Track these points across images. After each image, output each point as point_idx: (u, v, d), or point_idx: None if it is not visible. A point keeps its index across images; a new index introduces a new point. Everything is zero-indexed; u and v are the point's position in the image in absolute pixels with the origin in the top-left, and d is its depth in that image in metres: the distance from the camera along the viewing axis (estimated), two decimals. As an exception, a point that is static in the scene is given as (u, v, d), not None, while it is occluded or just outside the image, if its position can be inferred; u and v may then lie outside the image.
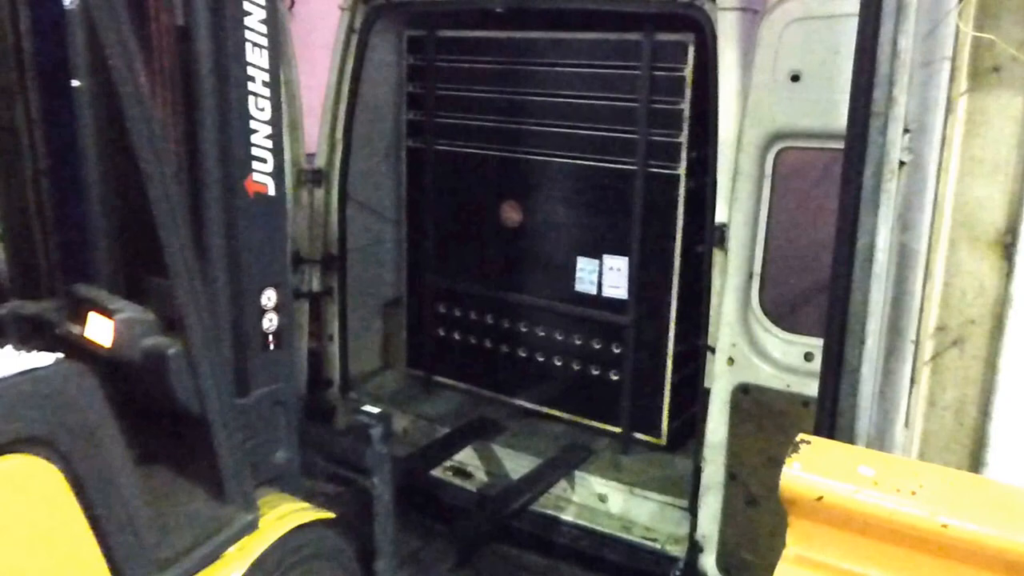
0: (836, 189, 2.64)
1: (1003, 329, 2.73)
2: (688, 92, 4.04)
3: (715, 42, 3.55)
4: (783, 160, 3.31)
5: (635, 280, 4.36)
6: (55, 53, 2.68)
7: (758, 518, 3.48)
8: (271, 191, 2.66)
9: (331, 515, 2.84)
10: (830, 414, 2.72)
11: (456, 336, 5.08)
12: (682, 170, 4.13)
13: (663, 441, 4.43)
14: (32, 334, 2.61)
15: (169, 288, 2.40)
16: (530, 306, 4.75)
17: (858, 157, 2.57)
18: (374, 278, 5.26)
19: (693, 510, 3.75)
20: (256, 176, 2.61)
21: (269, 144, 2.63)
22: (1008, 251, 2.72)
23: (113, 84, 2.23)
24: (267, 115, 2.61)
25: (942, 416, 2.86)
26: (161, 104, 2.55)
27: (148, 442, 2.65)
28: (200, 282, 2.44)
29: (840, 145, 2.64)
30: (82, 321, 2.53)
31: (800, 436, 2.28)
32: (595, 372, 4.60)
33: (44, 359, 2.05)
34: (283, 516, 2.73)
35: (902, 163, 2.63)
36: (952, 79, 2.72)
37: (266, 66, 2.60)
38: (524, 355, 4.84)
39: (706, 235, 3.64)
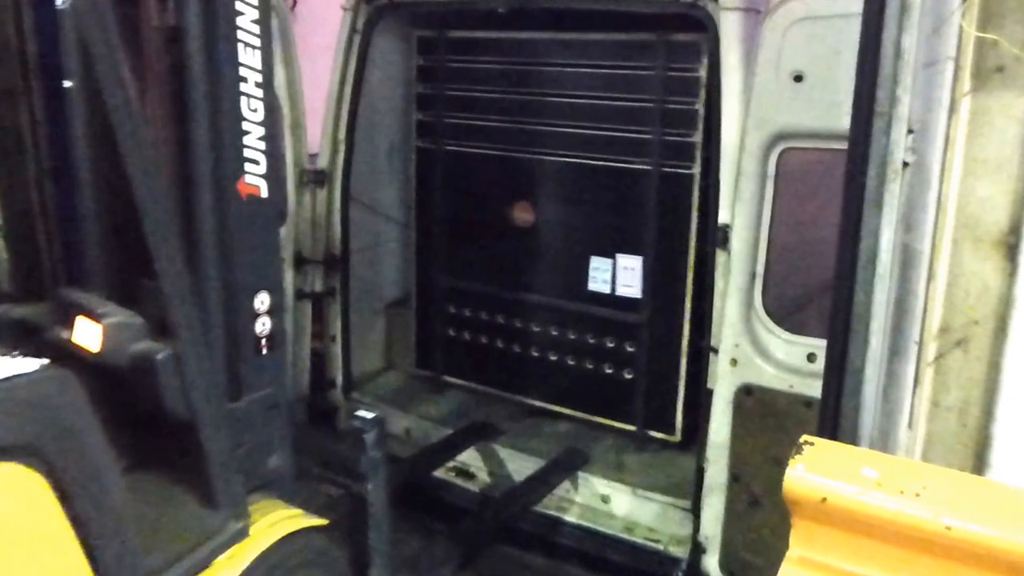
0: (839, 189, 2.64)
1: (1007, 330, 2.73)
2: (702, 92, 4.05)
3: (718, 42, 3.54)
4: (786, 160, 3.31)
5: (649, 279, 4.38)
6: (58, 53, 2.66)
7: (761, 519, 3.48)
8: (264, 193, 2.63)
9: (324, 522, 2.81)
10: (833, 415, 2.71)
11: (466, 336, 5.09)
12: (696, 170, 4.13)
13: (677, 438, 4.44)
14: (21, 339, 2.57)
15: (160, 291, 2.37)
16: (542, 305, 4.77)
17: (861, 157, 2.56)
18: (377, 278, 5.26)
19: (696, 511, 3.75)
20: (249, 178, 2.57)
21: (262, 146, 2.60)
22: (1011, 251, 2.71)
23: (99, 85, 2.21)
24: (260, 116, 2.57)
25: (945, 417, 2.86)
26: (152, 105, 2.51)
27: (138, 448, 2.62)
28: (190, 285, 2.42)
29: (843, 145, 2.63)
30: (71, 325, 2.50)
31: (804, 438, 2.28)
32: (608, 371, 4.61)
33: (28, 365, 2.02)
34: (275, 523, 2.69)
35: (905, 163, 2.63)
36: (955, 79, 2.72)
37: (259, 67, 2.56)
38: (536, 354, 4.86)
39: (709, 236, 3.64)
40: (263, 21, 2.54)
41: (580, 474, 4.32)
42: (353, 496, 2.97)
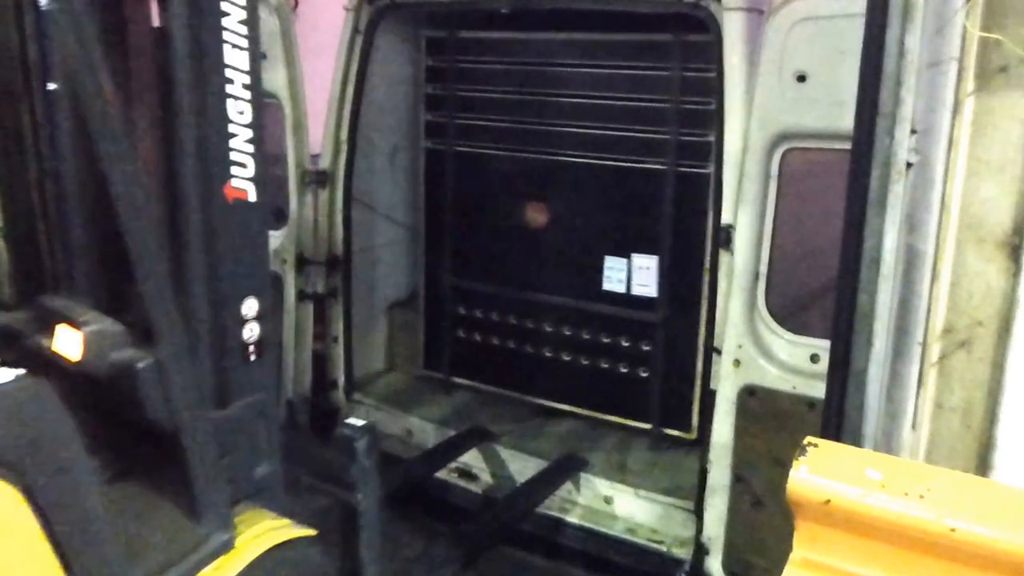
0: (842, 190, 2.63)
1: (1010, 331, 2.72)
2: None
3: (721, 43, 3.54)
4: (789, 161, 3.30)
5: (665, 278, 4.41)
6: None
7: (764, 520, 3.47)
8: (252, 197, 2.56)
9: (312, 532, 2.73)
10: (836, 416, 2.71)
11: (477, 337, 5.10)
12: (712, 169, 4.12)
13: (693, 435, 4.45)
14: (2, 347, 2.50)
15: (141, 297, 2.31)
16: (556, 305, 4.79)
17: (865, 158, 2.55)
18: (379, 279, 5.26)
19: (699, 512, 3.74)
20: (235, 182, 2.50)
21: (250, 149, 2.53)
22: (1015, 252, 2.70)
23: (76, 86, 2.17)
24: (247, 119, 2.51)
25: (949, 418, 2.85)
26: (135, 107, 2.48)
27: (123, 457, 2.56)
28: (174, 291, 2.36)
29: (846, 146, 2.63)
30: (51, 333, 2.43)
31: (807, 439, 2.27)
32: (623, 369, 4.65)
33: (3, 376, 1.96)
34: (261, 534, 2.60)
35: (909, 164, 2.62)
36: (959, 79, 2.71)
37: (246, 68, 2.49)
38: (549, 355, 4.88)
39: (711, 236, 3.64)
40: (251, 21, 2.48)
41: (583, 475, 4.32)
42: (343, 505, 2.89)
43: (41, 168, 2.65)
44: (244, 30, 2.46)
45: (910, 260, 2.83)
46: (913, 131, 2.61)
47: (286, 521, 2.71)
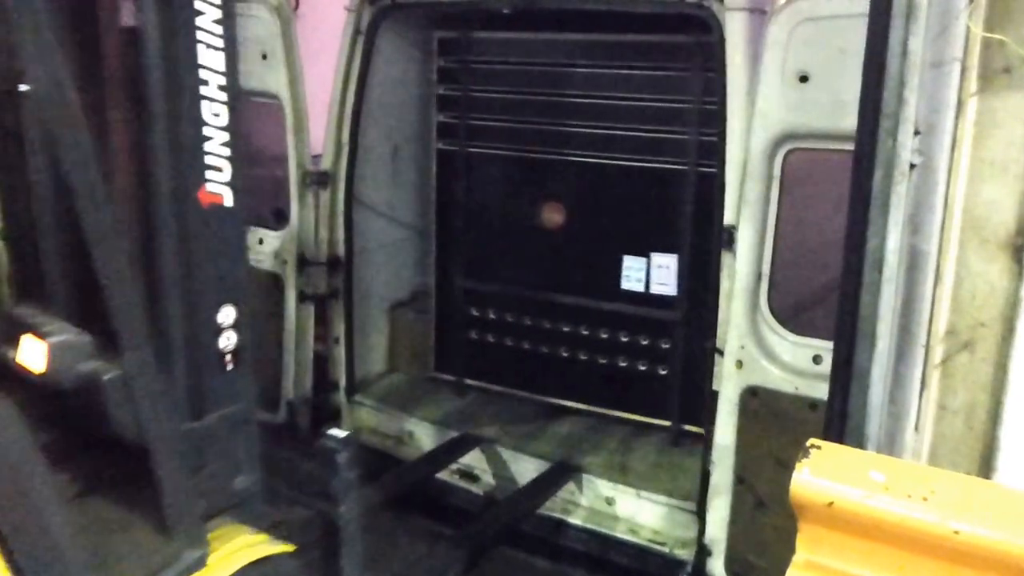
0: (845, 191, 2.62)
1: (1014, 332, 2.71)
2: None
3: (723, 43, 3.53)
4: (792, 161, 3.29)
5: (685, 276, 4.43)
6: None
7: (766, 521, 3.46)
8: (228, 202, 2.49)
9: (291, 548, 2.64)
10: (839, 417, 2.70)
11: (490, 338, 5.11)
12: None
13: None
14: None
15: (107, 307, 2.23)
16: (572, 305, 4.81)
17: (868, 159, 2.55)
18: (380, 280, 5.25)
19: (701, 513, 3.73)
20: (210, 186, 2.43)
21: (226, 152, 2.45)
22: (1018, 253, 2.69)
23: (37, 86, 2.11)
24: (223, 121, 2.43)
25: (952, 420, 2.84)
26: (104, 108, 2.39)
27: (91, 472, 2.49)
28: (141, 300, 2.28)
29: (849, 146, 2.62)
30: (17, 344, 2.35)
31: (810, 441, 2.26)
32: (642, 368, 4.68)
33: None
34: (236, 551, 2.51)
35: (912, 165, 2.61)
36: (962, 80, 2.70)
37: (222, 69, 2.41)
38: (565, 354, 4.89)
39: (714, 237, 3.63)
40: (227, 21, 2.41)
41: (585, 476, 4.31)
42: (324, 519, 2.81)
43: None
44: (219, 29, 2.39)
45: (913, 261, 2.82)
46: (916, 132, 2.60)
47: (263, 536, 2.63)
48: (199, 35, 2.34)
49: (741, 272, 3.43)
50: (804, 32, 3.13)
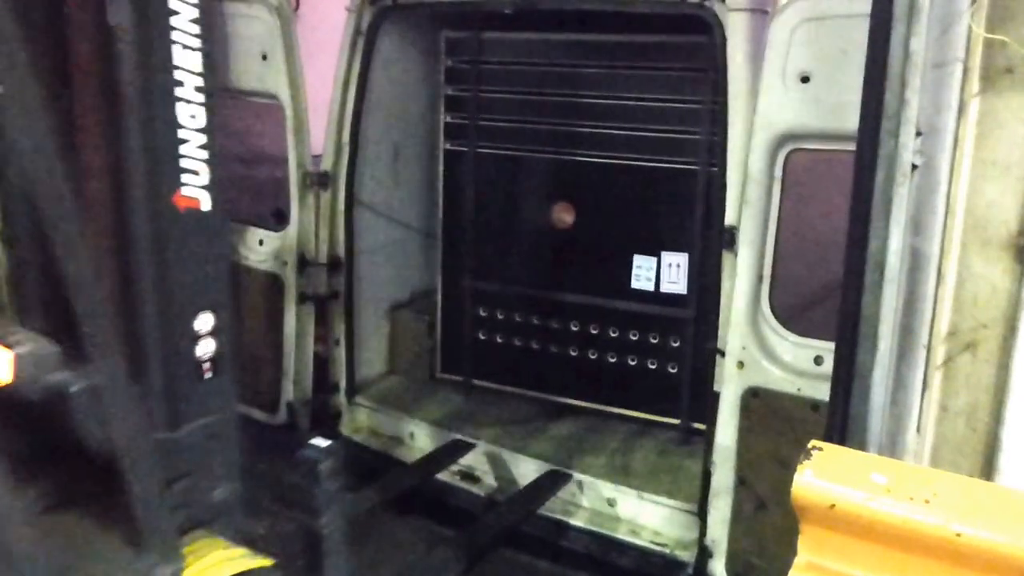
0: (847, 191, 2.62)
1: (1016, 333, 2.71)
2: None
3: (724, 43, 3.53)
4: (793, 162, 3.29)
5: (695, 275, 4.44)
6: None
7: (768, 523, 3.46)
8: (206, 206, 2.42)
9: (269, 562, 2.54)
10: (841, 419, 2.69)
11: (498, 338, 5.12)
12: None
13: None
14: None
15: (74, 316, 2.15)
16: (582, 305, 4.83)
17: (869, 159, 2.54)
18: (381, 281, 5.24)
19: (702, 514, 3.73)
20: (187, 190, 2.36)
21: (204, 155, 2.39)
22: (1020, 254, 2.69)
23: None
24: (200, 123, 2.37)
25: (954, 421, 2.84)
26: (79, 109, 2.32)
27: (61, 486, 2.40)
28: (107, 308, 2.20)
29: (851, 147, 2.61)
30: None
31: (812, 442, 2.26)
32: (652, 366, 4.69)
33: None
34: (211, 566, 2.42)
35: (914, 166, 2.60)
36: (964, 81, 2.70)
37: (199, 70, 2.35)
38: (574, 353, 4.91)
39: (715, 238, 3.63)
40: (203, 21, 2.34)
41: (586, 477, 4.31)
42: (307, 531, 2.73)
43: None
44: (196, 29, 2.33)
45: (915, 262, 2.82)
46: (918, 133, 2.60)
47: (242, 550, 2.54)
48: (174, 35, 2.28)
49: (742, 273, 3.42)
50: (806, 32, 3.12)
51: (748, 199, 3.37)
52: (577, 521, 4.23)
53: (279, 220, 4.81)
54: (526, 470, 4.44)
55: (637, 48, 4.48)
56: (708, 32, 3.72)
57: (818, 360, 3.32)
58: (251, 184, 6.15)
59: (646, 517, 4.15)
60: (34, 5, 2.20)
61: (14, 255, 2.52)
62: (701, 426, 4.44)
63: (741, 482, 3.53)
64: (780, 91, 3.21)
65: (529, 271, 4.96)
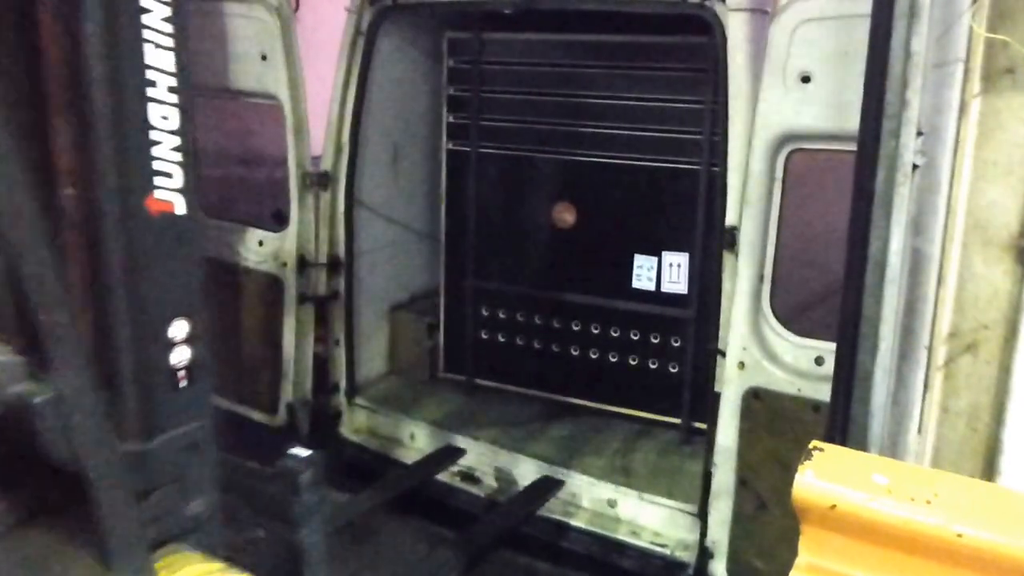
0: (848, 192, 2.62)
1: (1017, 334, 2.71)
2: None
3: (724, 43, 3.52)
4: (794, 162, 3.28)
5: (696, 275, 4.45)
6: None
7: (769, 524, 3.45)
8: (180, 209, 2.35)
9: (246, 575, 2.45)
10: (842, 420, 2.69)
11: (501, 338, 5.12)
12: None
13: None
14: None
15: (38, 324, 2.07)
16: (583, 304, 4.83)
17: (870, 160, 2.54)
18: (381, 282, 5.24)
19: (703, 515, 3.72)
20: (160, 193, 2.29)
21: (177, 157, 2.32)
22: (1021, 255, 2.69)
23: None
24: (174, 124, 2.31)
25: (955, 422, 2.83)
26: (48, 109, 2.25)
27: (29, 500, 2.35)
28: (71, 316, 2.14)
29: (852, 147, 2.61)
30: None
31: (813, 443, 2.25)
32: (653, 365, 4.70)
33: None
34: None
35: (915, 166, 2.60)
36: (965, 81, 2.70)
37: (171, 69, 2.28)
38: (576, 353, 4.91)
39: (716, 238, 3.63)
40: (176, 19, 2.27)
41: (587, 478, 4.30)
42: (286, 544, 2.64)
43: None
44: (169, 28, 2.26)
45: (916, 263, 2.82)
46: (919, 133, 2.60)
47: (218, 565, 2.45)
48: (146, 33, 2.22)
49: (743, 273, 3.42)
50: (806, 33, 3.11)
51: (749, 199, 3.36)
52: (577, 522, 4.22)
53: (279, 221, 4.81)
54: (526, 471, 4.43)
55: (638, 48, 4.48)
56: (709, 32, 3.71)
57: (819, 361, 3.32)
58: (251, 185, 6.16)
59: (646, 518, 4.14)
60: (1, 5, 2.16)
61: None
62: (702, 425, 4.45)
63: (742, 483, 3.53)
64: (781, 91, 3.20)
65: (531, 271, 4.97)
